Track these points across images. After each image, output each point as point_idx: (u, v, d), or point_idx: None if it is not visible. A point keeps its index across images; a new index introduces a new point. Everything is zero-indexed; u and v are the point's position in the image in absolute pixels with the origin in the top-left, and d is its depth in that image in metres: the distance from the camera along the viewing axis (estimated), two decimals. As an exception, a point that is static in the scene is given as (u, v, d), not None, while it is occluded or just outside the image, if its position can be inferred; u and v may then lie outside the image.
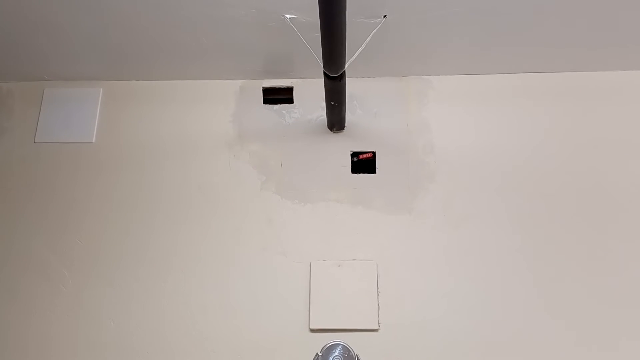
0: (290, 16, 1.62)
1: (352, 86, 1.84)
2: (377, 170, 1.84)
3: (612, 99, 1.87)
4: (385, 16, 1.61)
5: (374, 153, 1.86)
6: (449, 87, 1.92)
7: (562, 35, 1.71)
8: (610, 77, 1.88)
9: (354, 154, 1.87)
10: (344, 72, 1.51)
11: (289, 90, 1.96)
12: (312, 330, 1.66)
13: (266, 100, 1.95)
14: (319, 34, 1.31)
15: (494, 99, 1.90)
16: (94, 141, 1.92)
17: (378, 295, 1.69)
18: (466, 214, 1.77)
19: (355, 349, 1.61)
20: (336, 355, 1.58)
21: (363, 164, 1.86)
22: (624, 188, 1.77)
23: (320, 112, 1.90)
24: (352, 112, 1.89)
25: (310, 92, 1.92)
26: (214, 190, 1.84)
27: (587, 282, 1.68)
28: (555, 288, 1.68)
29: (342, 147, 1.87)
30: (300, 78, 1.95)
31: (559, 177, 1.79)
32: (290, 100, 1.95)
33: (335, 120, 1.83)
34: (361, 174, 1.84)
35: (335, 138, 1.89)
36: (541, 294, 1.67)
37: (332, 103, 1.69)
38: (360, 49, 1.58)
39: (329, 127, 1.88)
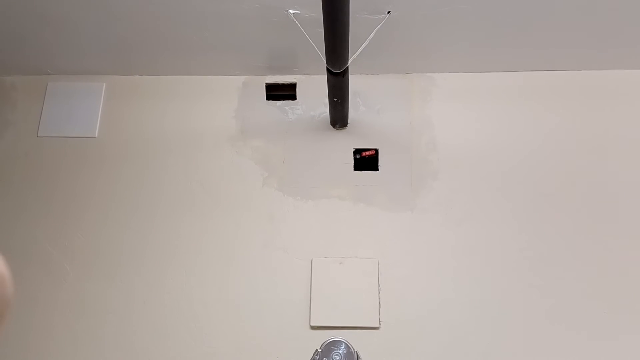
0: (294, 11, 1.61)
1: (355, 83, 1.84)
2: (379, 167, 1.83)
3: (616, 98, 1.85)
4: (389, 12, 1.60)
5: (376, 150, 1.85)
6: (452, 85, 1.91)
7: (566, 34, 1.70)
8: (613, 76, 1.87)
9: (357, 151, 1.86)
10: (347, 68, 1.50)
11: (292, 86, 1.95)
12: (313, 327, 1.66)
13: (269, 97, 1.94)
14: (323, 30, 1.31)
15: (497, 97, 1.89)
16: (96, 136, 1.92)
17: (379, 292, 1.68)
18: (468, 211, 1.76)
19: (356, 347, 1.61)
20: (336, 352, 1.57)
21: (365, 161, 1.85)
22: (628, 186, 1.76)
23: (323, 108, 1.89)
24: (355, 109, 1.89)
25: (314, 89, 1.92)
26: (216, 185, 1.84)
27: (591, 280, 1.67)
28: (558, 286, 1.67)
29: (344, 144, 1.87)
30: (304, 74, 1.95)
31: (562, 175, 1.78)
32: (293, 97, 1.94)
33: (338, 117, 1.82)
34: (363, 171, 1.84)
35: (338, 135, 1.88)
36: (543, 292, 1.67)
37: (335, 100, 1.68)
38: (363, 45, 1.58)
39: (331, 124, 1.88)
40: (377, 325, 1.65)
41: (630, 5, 1.57)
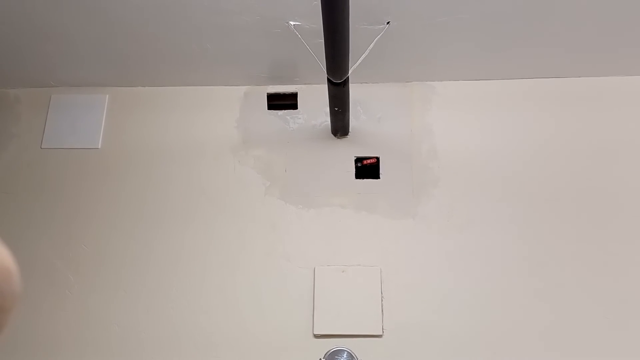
0: (295, 23, 1.63)
1: (356, 92, 1.85)
2: (381, 175, 1.85)
3: (616, 104, 1.86)
4: (388, 23, 1.62)
5: (377, 158, 1.87)
6: (452, 93, 1.92)
7: (564, 41, 1.71)
8: (613, 83, 1.88)
9: (358, 159, 1.87)
10: (348, 78, 1.51)
11: (294, 96, 1.96)
12: (316, 336, 1.66)
13: (270, 106, 1.96)
14: (323, 41, 1.32)
15: (497, 104, 1.90)
16: (100, 147, 1.93)
17: (382, 300, 1.69)
18: (470, 218, 1.77)
19: (359, 355, 1.61)
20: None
21: (367, 169, 1.87)
22: (628, 192, 1.77)
23: (324, 117, 1.91)
24: (356, 118, 1.90)
25: (315, 98, 1.93)
26: (219, 195, 1.85)
27: (592, 286, 1.67)
28: (559, 293, 1.67)
29: (346, 153, 1.88)
30: (305, 84, 1.96)
31: (563, 181, 1.79)
32: (294, 106, 1.95)
33: (339, 126, 1.84)
34: (365, 179, 1.85)
35: (339, 143, 1.90)
36: (545, 298, 1.67)
37: (336, 109, 1.69)
38: (363, 56, 1.59)
39: (333, 133, 1.89)
40: (380, 333, 1.65)
41: (629, 13, 1.58)
